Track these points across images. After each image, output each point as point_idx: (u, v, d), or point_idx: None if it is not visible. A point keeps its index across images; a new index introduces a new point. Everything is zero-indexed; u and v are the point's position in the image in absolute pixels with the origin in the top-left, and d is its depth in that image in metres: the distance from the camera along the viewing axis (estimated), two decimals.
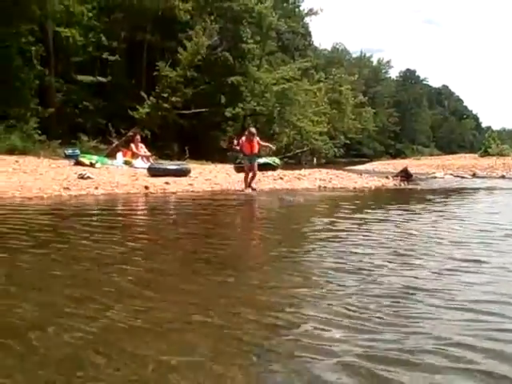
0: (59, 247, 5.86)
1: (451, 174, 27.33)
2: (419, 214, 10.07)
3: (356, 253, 5.78)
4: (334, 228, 7.81)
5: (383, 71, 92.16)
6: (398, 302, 3.93)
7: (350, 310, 3.69)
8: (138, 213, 10.37)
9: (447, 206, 11.90)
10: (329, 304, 3.84)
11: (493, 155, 43.11)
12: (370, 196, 14.55)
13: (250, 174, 13.98)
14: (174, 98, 28.93)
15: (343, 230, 7.53)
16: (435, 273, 4.84)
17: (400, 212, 9.95)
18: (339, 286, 4.36)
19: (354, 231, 7.49)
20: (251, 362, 2.87)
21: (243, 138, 14.32)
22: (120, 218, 8.87)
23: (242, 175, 14.79)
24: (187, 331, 3.29)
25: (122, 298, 3.95)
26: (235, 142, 19.17)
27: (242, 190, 13.81)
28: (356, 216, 9.38)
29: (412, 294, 4.15)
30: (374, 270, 4.90)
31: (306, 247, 6.53)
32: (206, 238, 7.09)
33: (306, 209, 11.41)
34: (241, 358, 2.91)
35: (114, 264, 5.10)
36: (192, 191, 13.52)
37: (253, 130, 14.43)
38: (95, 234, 6.74)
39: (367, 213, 9.87)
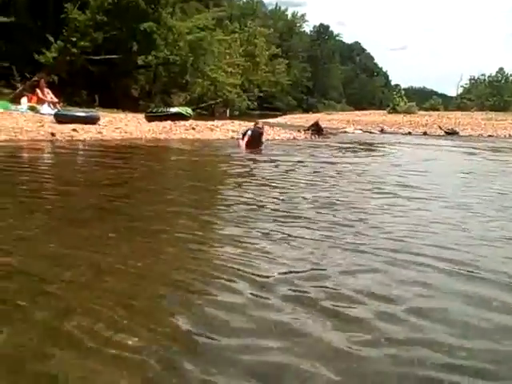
0: None
1: (361, 130, 28.31)
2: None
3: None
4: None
5: (298, 25, 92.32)
6: None
7: None
8: (44, 160, 10.12)
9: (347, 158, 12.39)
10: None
11: (400, 112, 45.10)
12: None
13: None
14: (82, 43, 27.78)
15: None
16: None
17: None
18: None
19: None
20: None
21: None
22: (24, 165, 8.64)
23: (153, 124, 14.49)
24: None
25: None
26: None
27: None
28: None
29: None
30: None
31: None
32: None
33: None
34: None
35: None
36: (101, 139, 13.30)
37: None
38: None
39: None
